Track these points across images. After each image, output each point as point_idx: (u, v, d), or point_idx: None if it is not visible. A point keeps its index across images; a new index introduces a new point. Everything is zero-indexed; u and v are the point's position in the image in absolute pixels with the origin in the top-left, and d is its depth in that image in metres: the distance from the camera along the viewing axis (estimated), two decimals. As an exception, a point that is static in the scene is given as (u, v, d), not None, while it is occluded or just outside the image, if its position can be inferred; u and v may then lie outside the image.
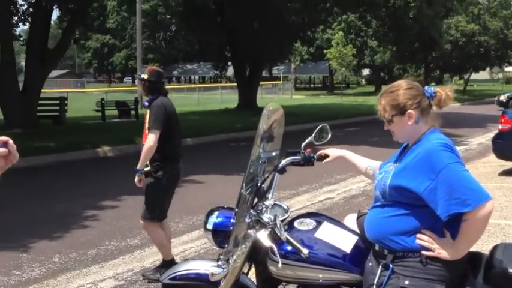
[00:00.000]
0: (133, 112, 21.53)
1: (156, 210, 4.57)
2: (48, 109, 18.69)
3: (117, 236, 5.94)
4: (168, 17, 36.26)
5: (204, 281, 2.70)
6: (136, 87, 29.31)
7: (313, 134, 2.83)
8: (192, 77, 78.64)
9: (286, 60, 51.33)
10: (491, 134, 10.58)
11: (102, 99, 21.52)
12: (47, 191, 8.47)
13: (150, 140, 4.38)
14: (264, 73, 41.10)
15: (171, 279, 2.88)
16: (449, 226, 2.15)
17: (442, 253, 2.11)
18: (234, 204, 2.62)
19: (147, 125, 4.52)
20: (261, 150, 2.53)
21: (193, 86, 51.47)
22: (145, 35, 57.34)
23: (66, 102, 19.42)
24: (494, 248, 2.30)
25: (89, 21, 20.14)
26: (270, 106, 2.61)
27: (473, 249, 2.24)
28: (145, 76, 4.59)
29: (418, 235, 2.16)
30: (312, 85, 76.58)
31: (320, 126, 2.88)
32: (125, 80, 79.35)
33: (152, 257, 5.23)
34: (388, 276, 2.19)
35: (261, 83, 28.99)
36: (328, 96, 47.27)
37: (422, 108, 2.25)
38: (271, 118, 2.60)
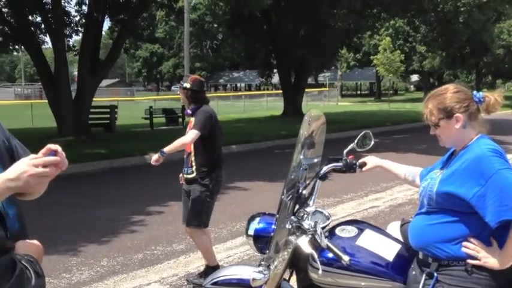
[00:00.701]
0: (180, 119, 21.90)
1: (203, 216, 4.63)
2: (99, 117, 19.25)
3: (162, 241, 6.04)
4: (215, 25, 36.66)
5: (245, 286, 2.71)
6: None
7: (356, 141, 2.81)
8: (238, 84, 79.37)
9: (333, 67, 51.06)
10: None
11: (151, 107, 21.98)
12: (97, 196, 8.71)
13: (189, 136, 4.47)
14: (310, 80, 41.03)
15: (214, 283, 2.91)
16: (497, 234, 2.09)
17: (489, 262, 2.06)
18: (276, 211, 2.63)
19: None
20: (301, 157, 2.53)
21: (239, 93, 51.87)
22: (192, 44, 58.38)
23: (116, 110, 19.98)
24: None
25: (138, 31, 20.56)
26: (311, 113, 2.60)
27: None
28: (187, 85, 4.64)
29: (464, 243, 2.12)
30: (358, 92, 75.81)
31: (363, 132, 2.86)
32: (172, 88, 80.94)
33: (196, 262, 5.29)
34: (433, 285, 2.15)
35: (306, 90, 28.92)
36: (375, 102, 46.63)
37: (470, 113, 2.19)
38: (313, 125, 2.60)
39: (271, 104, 33.58)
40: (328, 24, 21.54)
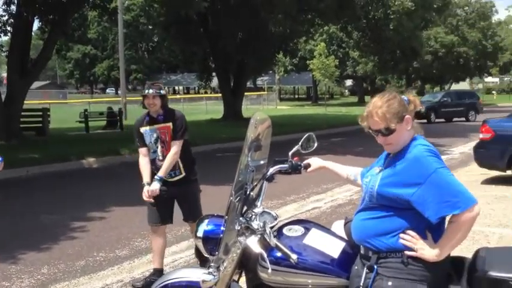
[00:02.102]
0: (119, 123, 21.41)
1: (200, 207, 4.85)
2: (31, 120, 18.59)
3: (105, 247, 5.94)
4: (150, 27, 36.01)
5: (195, 288, 2.74)
6: (120, 98, 28.87)
7: (300, 143, 2.90)
8: (177, 87, 78.46)
9: (271, 71, 51.55)
10: (473, 143, 10.73)
11: (86, 110, 21.41)
12: (34, 202, 8.42)
13: (177, 147, 4.60)
14: (249, 84, 41.26)
15: (163, 287, 2.92)
16: (431, 228, 2.22)
17: (425, 254, 2.17)
18: (223, 213, 2.68)
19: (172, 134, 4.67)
20: (249, 159, 2.59)
21: (178, 96, 51.28)
22: (127, 46, 57.20)
23: (48, 113, 19.35)
24: (477, 252, 2.38)
25: (69, 31, 19.94)
26: (257, 116, 2.66)
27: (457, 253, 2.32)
28: (163, 92, 4.70)
29: (401, 235, 2.23)
30: (296, 96, 76.93)
31: (307, 135, 2.95)
32: (107, 90, 78.90)
33: (141, 267, 5.25)
34: (373, 278, 2.24)
35: (245, 93, 29.10)
36: (312, 106, 47.54)
37: (412, 115, 2.33)
38: (259, 127, 2.66)
39: (211, 108, 33.52)
40: (266, 29, 21.75)
